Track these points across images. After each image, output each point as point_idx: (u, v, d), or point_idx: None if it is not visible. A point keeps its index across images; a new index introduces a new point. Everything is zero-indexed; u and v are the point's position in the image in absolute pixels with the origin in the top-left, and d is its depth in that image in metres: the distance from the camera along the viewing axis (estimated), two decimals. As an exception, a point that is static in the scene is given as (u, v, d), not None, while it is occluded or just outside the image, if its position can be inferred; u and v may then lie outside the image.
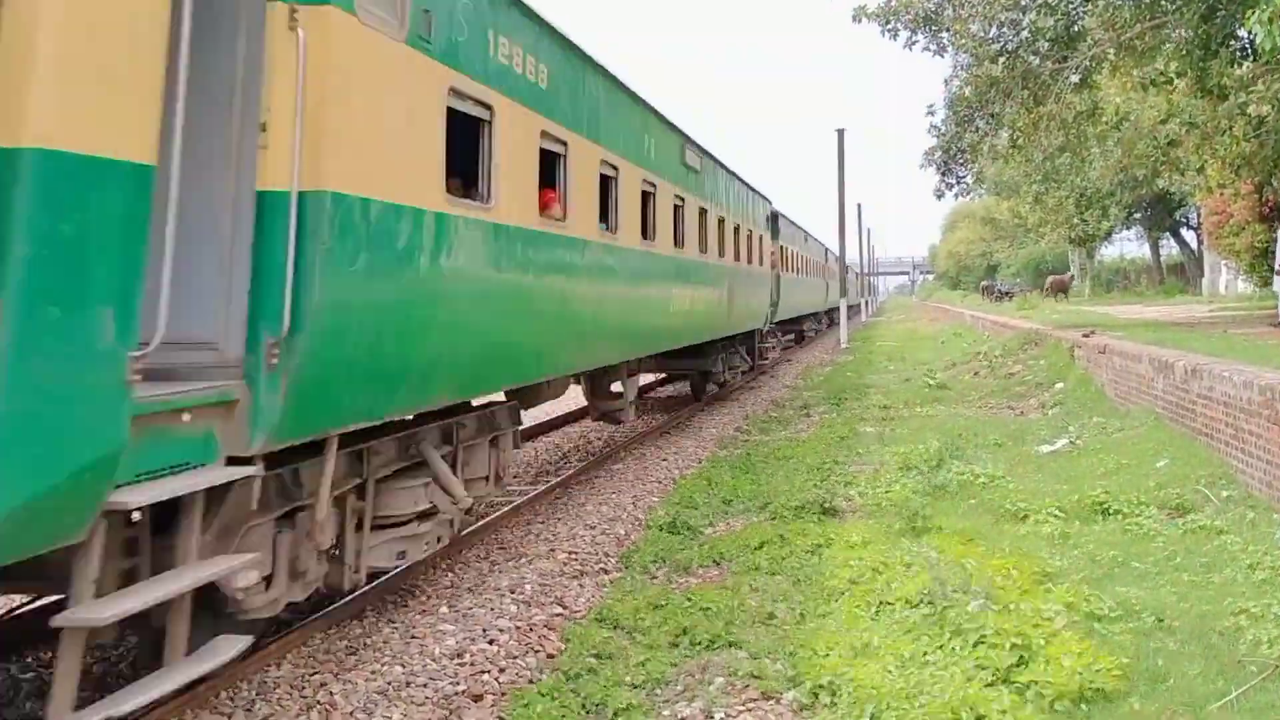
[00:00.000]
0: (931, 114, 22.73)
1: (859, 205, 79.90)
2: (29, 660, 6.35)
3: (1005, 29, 19.98)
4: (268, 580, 5.51)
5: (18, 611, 6.65)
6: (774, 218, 25.48)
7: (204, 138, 5.04)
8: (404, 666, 6.23)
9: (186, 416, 4.66)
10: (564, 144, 9.34)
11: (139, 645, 6.11)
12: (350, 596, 7.18)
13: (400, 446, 7.05)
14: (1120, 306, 36.37)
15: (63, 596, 4.43)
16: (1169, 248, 60.30)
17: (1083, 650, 5.74)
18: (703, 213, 15.94)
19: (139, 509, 4.26)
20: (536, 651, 6.52)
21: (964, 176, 23.31)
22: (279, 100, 5.15)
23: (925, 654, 5.98)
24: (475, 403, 8.34)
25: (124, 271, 4.06)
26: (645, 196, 12.51)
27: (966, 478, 11.02)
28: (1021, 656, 5.72)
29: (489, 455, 8.48)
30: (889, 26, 20.20)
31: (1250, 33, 13.08)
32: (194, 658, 4.71)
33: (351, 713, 5.62)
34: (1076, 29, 19.37)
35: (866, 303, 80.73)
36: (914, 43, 20.52)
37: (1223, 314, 25.28)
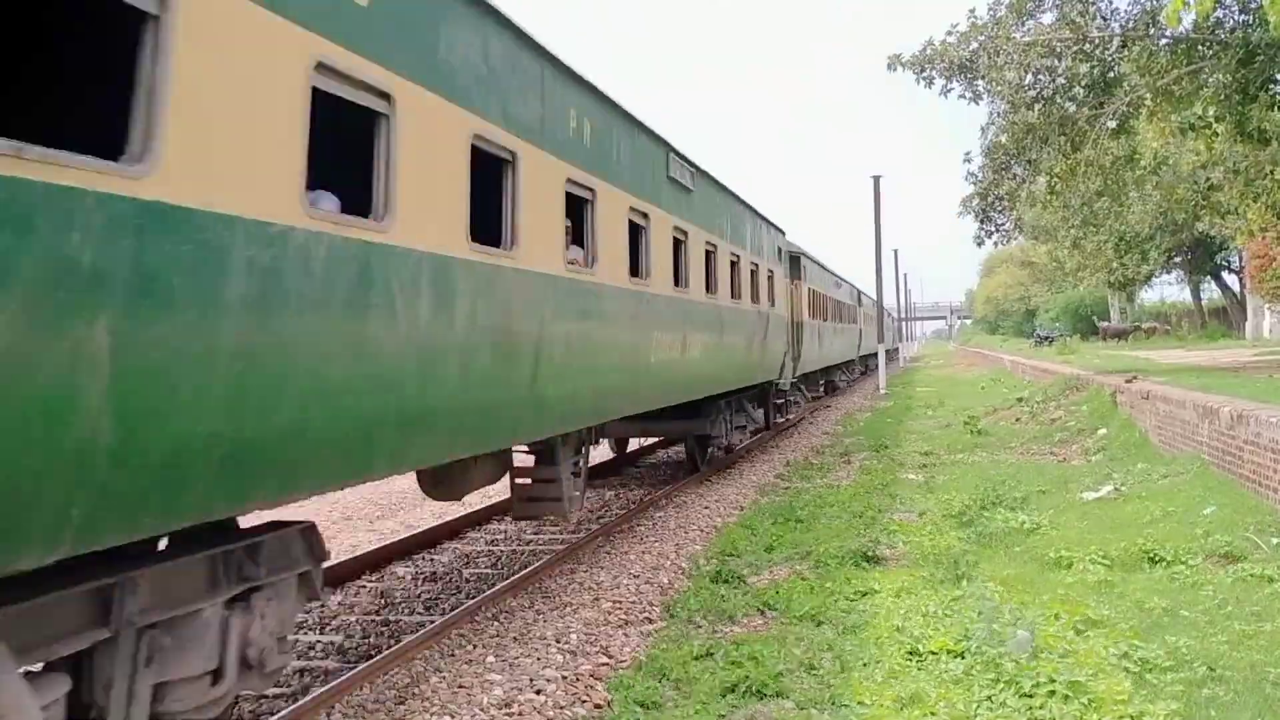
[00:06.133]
0: (969, 161, 22.80)
1: (895, 251, 79.95)
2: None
3: (1041, 76, 20.04)
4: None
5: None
6: (858, 294, 42.58)
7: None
8: (452, 717, 6.27)
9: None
10: (823, 293, 29.93)
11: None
12: (400, 644, 7.23)
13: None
14: (1162, 351, 36.03)
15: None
16: (1210, 291, 59.79)
17: (1135, 701, 5.70)
18: (839, 303, 33.90)
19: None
20: (583, 702, 6.54)
21: (1003, 224, 23.31)
22: (795, 300, 23.53)
23: (975, 704, 5.95)
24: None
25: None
26: (827, 300, 30.81)
27: (1010, 525, 10.97)
28: (1074, 708, 5.68)
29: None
30: (924, 74, 20.33)
31: (1290, 78, 13.08)
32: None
33: (402, 762, 5.65)
34: (1113, 75, 19.43)
35: (898, 350, 79.76)
36: (949, 90, 20.63)
37: (1268, 358, 25.00)
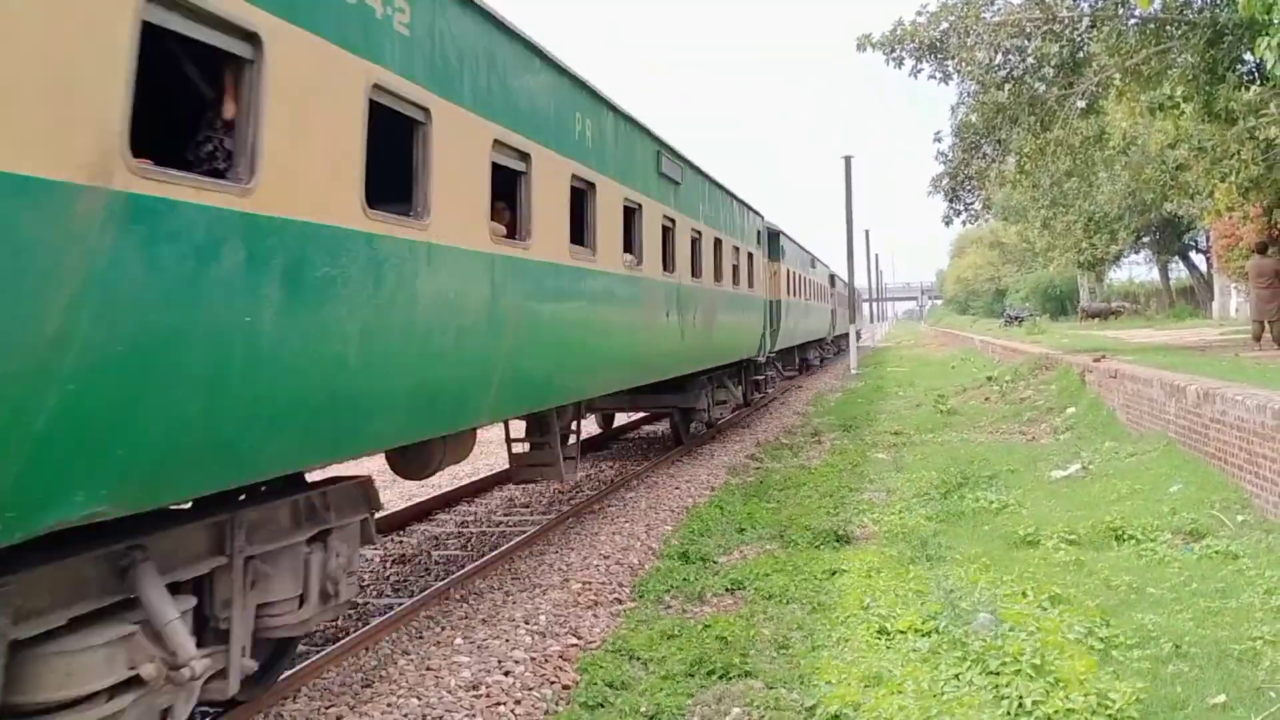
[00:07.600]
0: (939, 141, 22.83)
1: (866, 232, 79.86)
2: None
3: (1011, 56, 20.03)
4: None
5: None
6: (830, 275, 43.43)
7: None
8: (420, 699, 6.23)
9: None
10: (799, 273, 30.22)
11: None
12: (367, 627, 7.19)
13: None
14: (1130, 330, 36.31)
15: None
16: (1178, 271, 60.22)
17: (1100, 678, 5.72)
18: (814, 282, 34.47)
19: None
20: (552, 683, 6.52)
21: (972, 203, 23.37)
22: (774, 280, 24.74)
23: (942, 682, 5.96)
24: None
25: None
26: (805, 282, 31.60)
27: (979, 504, 11.01)
28: (1040, 685, 5.69)
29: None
30: (894, 55, 20.28)
31: (1259, 58, 13.09)
32: None
33: (368, 746, 5.62)
34: (1082, 55, 19.44)
35: (858, 333, 79.32)
36: (919, 71, 20.60)
37: (1234, 337, 25.21)
